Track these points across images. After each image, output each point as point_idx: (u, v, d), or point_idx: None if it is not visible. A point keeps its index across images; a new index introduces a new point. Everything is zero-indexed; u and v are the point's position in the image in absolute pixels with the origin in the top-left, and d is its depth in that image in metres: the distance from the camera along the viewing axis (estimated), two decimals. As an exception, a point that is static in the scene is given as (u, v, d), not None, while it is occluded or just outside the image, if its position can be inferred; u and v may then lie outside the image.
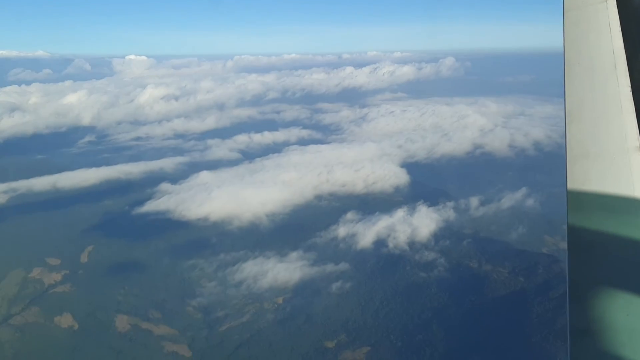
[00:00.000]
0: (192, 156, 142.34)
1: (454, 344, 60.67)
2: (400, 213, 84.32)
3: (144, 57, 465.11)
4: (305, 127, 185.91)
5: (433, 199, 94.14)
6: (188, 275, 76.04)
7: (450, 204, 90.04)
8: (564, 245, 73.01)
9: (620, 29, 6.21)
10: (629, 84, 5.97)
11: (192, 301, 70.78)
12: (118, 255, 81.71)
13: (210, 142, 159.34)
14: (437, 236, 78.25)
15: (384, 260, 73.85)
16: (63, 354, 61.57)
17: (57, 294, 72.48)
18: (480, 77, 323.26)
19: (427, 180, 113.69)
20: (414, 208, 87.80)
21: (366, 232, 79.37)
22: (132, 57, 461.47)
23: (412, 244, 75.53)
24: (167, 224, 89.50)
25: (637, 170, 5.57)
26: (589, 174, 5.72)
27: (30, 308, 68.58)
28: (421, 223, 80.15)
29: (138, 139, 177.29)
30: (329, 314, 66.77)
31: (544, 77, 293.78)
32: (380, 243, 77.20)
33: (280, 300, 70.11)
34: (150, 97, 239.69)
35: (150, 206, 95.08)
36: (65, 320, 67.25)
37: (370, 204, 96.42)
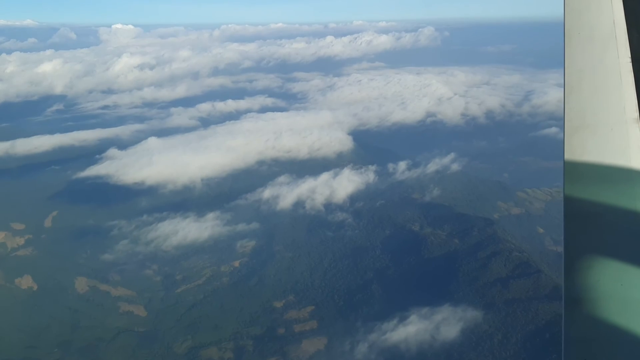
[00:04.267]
0: (151, 124, 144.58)
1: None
2: (325, 177, 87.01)
3: (130, 26, 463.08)
4: (272, 95, 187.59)
5: (367, 164, 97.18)
6: (146, 239, 77.88)
7: (373, 167, 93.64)
8: (495, 208, 75.92)
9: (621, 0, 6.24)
10: (629, 56, 5.94)
11: (152, 264, 73.79)
12: (82, 220, 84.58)
13: (173, 110, 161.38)
14: (353, 198, 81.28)
15: (297, 220, 77.04)
16: (21, 313, 64.89)
17: (19, 257, 76.17)
18: (462, 46, 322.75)
19: (371, 147, 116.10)
20: (340, 172, 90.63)
21: (288, 195, 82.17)
22: (118, 26, 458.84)
23: (328, 205, 78.62)
24: (106, 189, 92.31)
25: (635, 141, 5.55)
26: (587, 145, 5.70)
27: (-8, 270, 71.31)
28: (341, 186, 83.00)
29: (105, 107, 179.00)
30: (280, 276, 70.57)
31: (525, 46, 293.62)
32: (298, 205, 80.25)
33: (236, 263, 73.66)
34: (126, 66, 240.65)
35: (91, 171, 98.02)
36: (26, 282, 70.62)
37: (309, 169, 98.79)
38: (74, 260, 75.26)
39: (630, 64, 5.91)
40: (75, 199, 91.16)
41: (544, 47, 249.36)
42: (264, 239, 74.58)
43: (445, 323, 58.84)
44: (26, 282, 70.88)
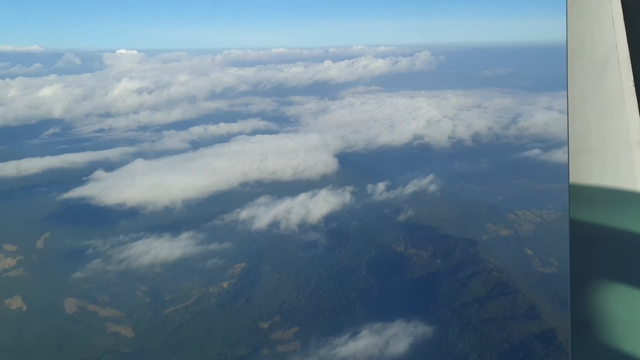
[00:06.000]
0: (142, 147, 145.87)
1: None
2: (303, 197, 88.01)
3: (134, 52, 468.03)
4: (266, 118, 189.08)
5: (350, 185, 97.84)
6: (137, 260, 78.39)
7: (356, 188, 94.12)
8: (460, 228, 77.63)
9: (623, 23, 6.28)
10: (632, 79, 6.00)
11: (142, 286, 74.00)
12: (74, 241, 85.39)
13: (165, 133, 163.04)
14: (328, 218, 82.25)
15: (270, 239, 78.09)
16: (9, 333, 64.77)
17: (10, 278, 76.86)
18: (458, 70, 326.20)
19: (356, 169, 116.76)
20: (317, 193, 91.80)
21: (264, 215, 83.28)
22: (122, 51, 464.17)
23: (302, 225, 79.58)
24: (92, 210, 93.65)
25: (639, 164, 5.59)
26: (591, 168, 5.70)
27: (-18, 291, 72.40)
28: (316, 206, 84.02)
29: (100, 130, 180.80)
30: (267, 297, 71.25)
31: (522, 70, 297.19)
32: (273, 225, 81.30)
33: (225, 284, 74.27)
34: (124, 90, 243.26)
35: (76, 192, 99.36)
36: (15, 302, 70.98)
37: (291, 190, 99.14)
38: (64, 281, 75.90)
39: (633, 87, 5.98)
40: (67, 220, 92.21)
41: (541, 70, 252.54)
42: (251, 259, 75.82)
43: (421, 343, 59.29)
44: (16, 302, 71.25)
